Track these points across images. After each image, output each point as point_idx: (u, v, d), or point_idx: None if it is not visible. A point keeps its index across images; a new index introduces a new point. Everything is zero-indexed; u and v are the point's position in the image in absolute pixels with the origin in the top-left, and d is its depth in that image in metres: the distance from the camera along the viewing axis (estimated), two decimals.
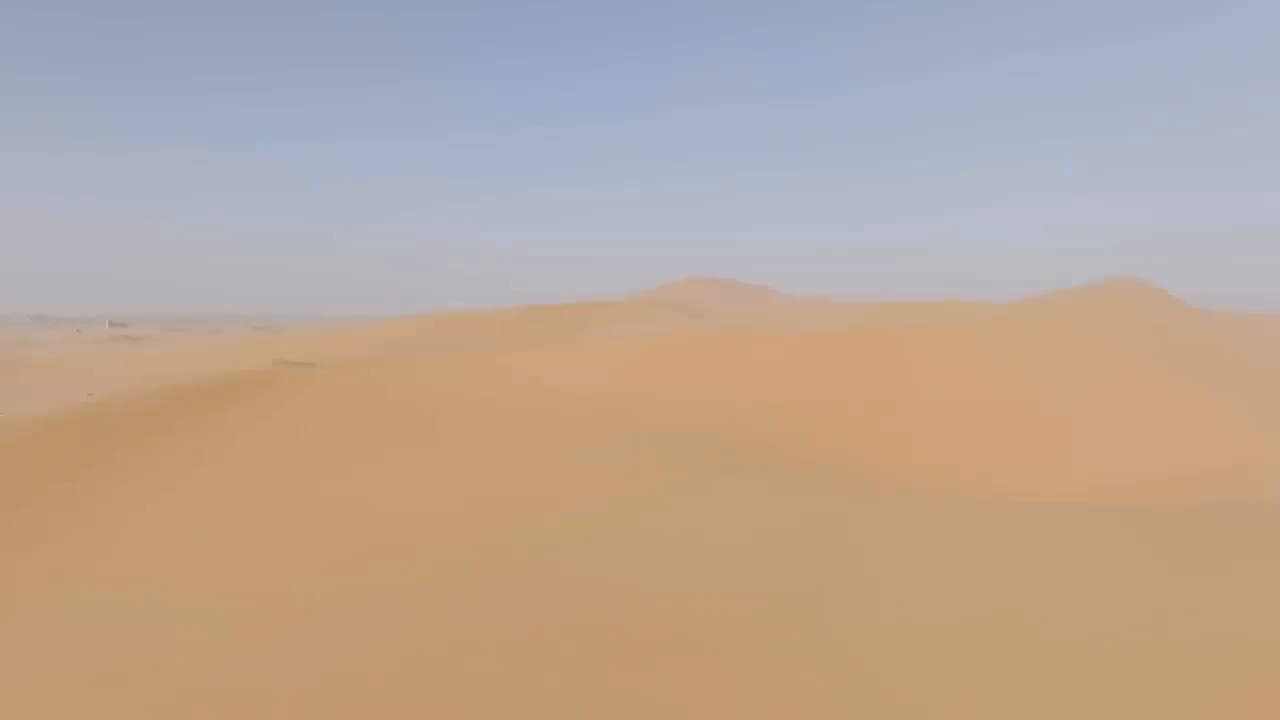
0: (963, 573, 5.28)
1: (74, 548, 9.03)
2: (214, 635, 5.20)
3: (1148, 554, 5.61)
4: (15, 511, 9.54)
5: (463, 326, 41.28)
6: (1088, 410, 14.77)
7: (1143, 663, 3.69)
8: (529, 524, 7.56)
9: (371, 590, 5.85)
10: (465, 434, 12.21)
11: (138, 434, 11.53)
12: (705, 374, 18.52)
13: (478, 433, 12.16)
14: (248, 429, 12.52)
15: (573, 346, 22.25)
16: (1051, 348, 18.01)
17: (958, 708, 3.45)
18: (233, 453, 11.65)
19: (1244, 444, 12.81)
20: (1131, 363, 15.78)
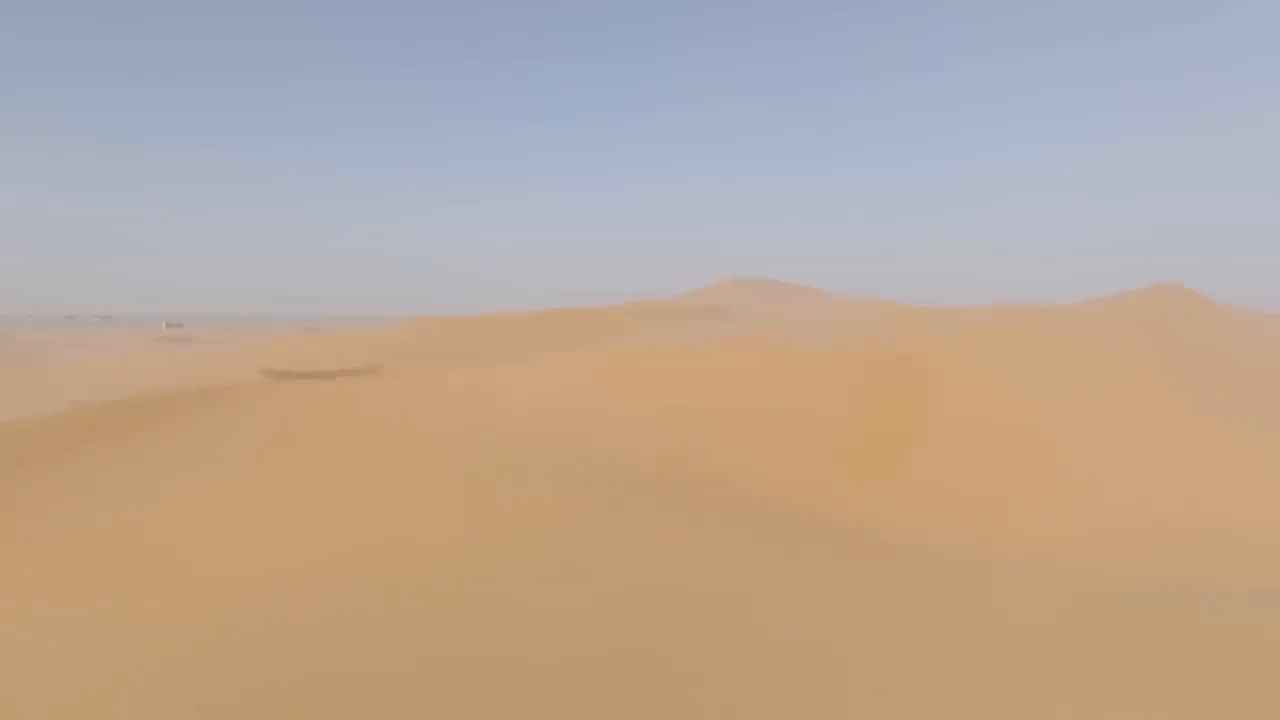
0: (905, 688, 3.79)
1: None
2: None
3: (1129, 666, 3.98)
4: None
5: (480, 330, 40.73)
6: (1113, 442, 12.65)
7: None
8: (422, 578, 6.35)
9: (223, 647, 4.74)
10: (390, 463, 11.17)
11: (55, 451, 10.92)
12: (675, 391, 17.04)
13: (399, 462, 11.08)
14: (166, 451, 11.78)
15: (556, 357, 21.11)
16: (1079, 366, 15.78)
17: None
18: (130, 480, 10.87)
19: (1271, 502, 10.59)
20: (1162, 388, 13.53)
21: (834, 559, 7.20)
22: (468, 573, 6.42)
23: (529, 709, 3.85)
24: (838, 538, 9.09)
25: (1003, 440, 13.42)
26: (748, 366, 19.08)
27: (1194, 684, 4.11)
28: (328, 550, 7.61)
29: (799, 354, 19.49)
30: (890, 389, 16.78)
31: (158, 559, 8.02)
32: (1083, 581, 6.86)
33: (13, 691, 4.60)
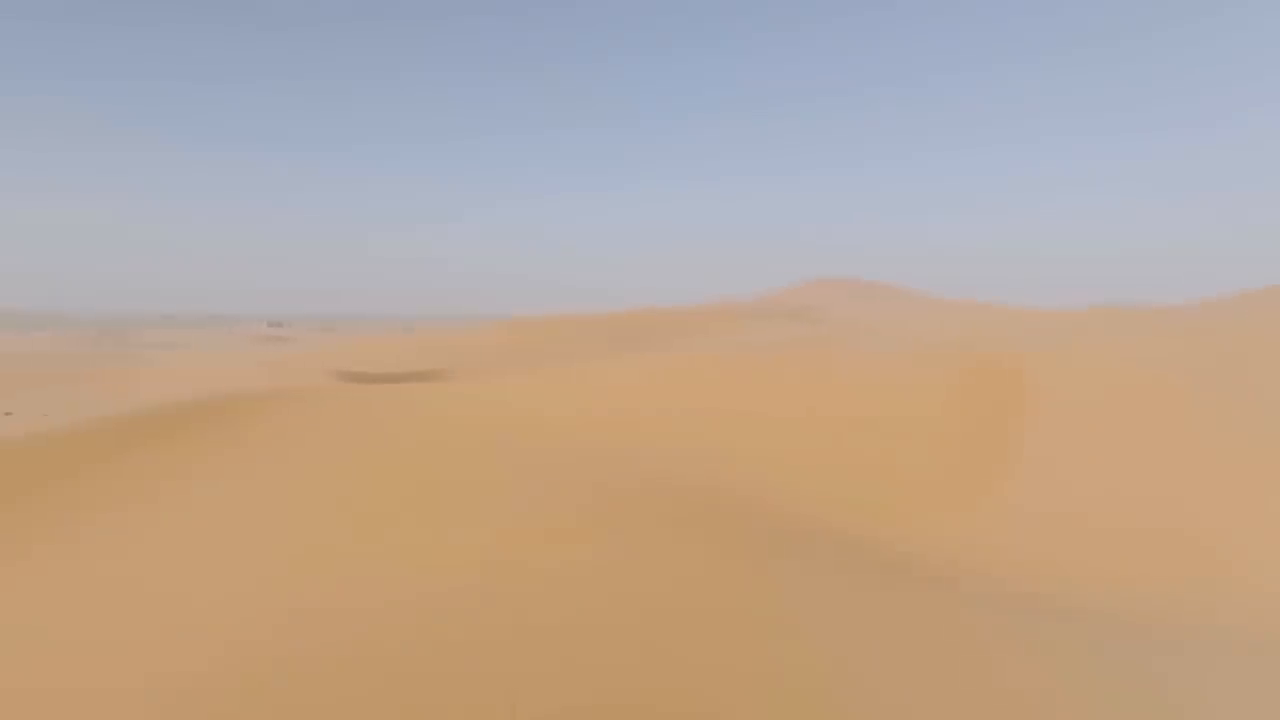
0: None
1: None
2: None
3: None
4: None
5: (555, 331, 41.05)
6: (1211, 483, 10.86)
7: None
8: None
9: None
10: (418, 474, 11.08)
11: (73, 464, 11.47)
12: (729, 398, 16.19)
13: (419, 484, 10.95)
14: (199, 461, 12.17)
15: (608, 364, 20.71)
16: (1166, 392, 13.79)
17: None
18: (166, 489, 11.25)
19: None
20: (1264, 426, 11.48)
21: (901, 594, 6.28)
22: (478, 592, 6.14)
23: None
24: (907, 571, 8.09)
25: (1090, 470, 11.82)
26: (810, 373, 17.98)
27: None
28: (337, 564, 7.49)
29: (867, 362, 18.21)
30: (964, 403, 15.30)
31: (171, 568, 8.10)
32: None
33: (30, 692, 4.70)
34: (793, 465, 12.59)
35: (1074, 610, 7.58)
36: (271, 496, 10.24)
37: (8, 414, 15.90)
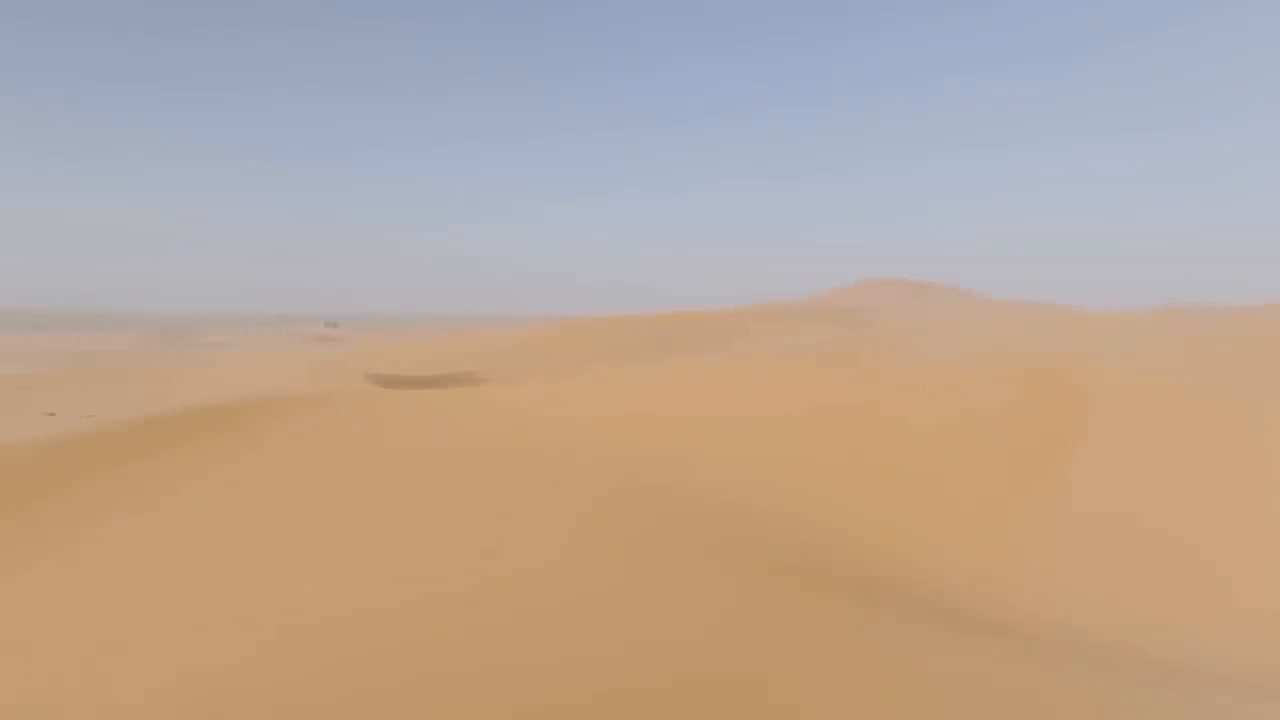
0: None
1: None
2: None
3: None
4: None
5: (598, 333, 41.00)
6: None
7: None
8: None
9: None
10: (427, 484, 11.09)
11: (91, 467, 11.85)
12: (754, 407, 15.71)
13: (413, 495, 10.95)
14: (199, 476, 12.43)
15: (633, 370, 20.47)
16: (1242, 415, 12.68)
17: None
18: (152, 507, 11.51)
19: None
20: None
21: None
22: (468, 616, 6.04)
23: None
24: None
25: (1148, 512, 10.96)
26: (835, 376, 17.34)
27: None
28: (340, 567, 7.54)
29: (894, 365, 17.45)
30: (996, 412, 14.46)
31: (176, 573, 8.24)
32: None
33: (32, 703, 4.72)
34: (804, 470, 12.12)
35: (1072, 645, 6.97)
36: (278, 501, 10.36)
37: (51, 414, 16.62)
